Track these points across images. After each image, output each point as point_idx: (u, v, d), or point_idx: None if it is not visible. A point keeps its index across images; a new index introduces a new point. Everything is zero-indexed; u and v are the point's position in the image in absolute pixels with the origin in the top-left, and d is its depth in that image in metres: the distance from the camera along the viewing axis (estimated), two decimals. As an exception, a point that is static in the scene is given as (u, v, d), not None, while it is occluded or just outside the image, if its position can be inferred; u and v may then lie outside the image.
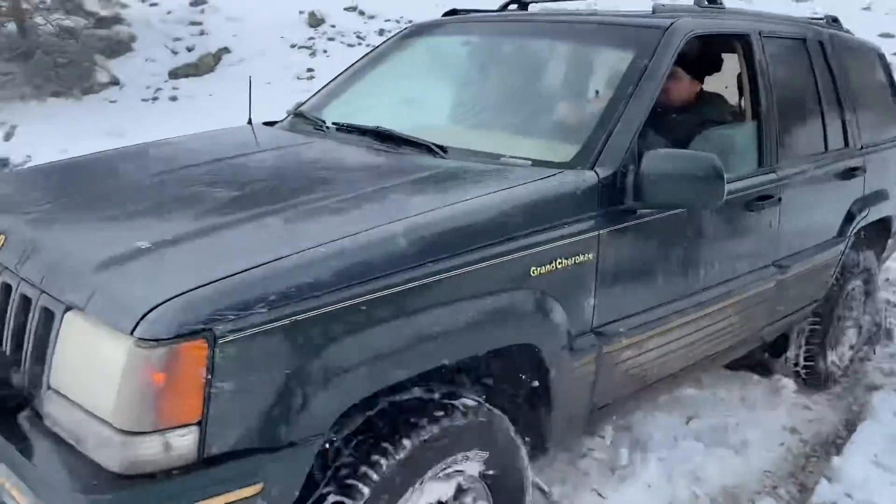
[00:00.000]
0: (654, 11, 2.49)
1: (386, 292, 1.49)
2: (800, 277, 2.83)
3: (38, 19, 7.84)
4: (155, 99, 8.54)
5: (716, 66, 2.93)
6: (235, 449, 1.34)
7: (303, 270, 1.42)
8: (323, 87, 2.87)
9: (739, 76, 2.75)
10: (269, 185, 2.00)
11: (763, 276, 2.63)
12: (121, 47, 8.42)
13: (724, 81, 3.01)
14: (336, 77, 2.89)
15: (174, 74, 8.70)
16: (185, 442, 1.29)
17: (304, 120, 2.59)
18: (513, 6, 3.07)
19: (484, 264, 1.65)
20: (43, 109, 8.37)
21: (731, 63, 2.84)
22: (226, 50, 8.94)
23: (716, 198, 1.94)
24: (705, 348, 2.49)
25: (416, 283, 1.53)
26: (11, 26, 7.68)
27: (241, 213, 1.67)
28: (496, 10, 3.06)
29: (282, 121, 2.70)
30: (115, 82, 8.35)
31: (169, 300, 1.30)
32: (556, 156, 2.01)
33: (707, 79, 2.91)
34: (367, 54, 2.95)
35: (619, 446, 2.70)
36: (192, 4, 9.30)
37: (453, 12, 2.98)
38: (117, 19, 8.27)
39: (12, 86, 7.72)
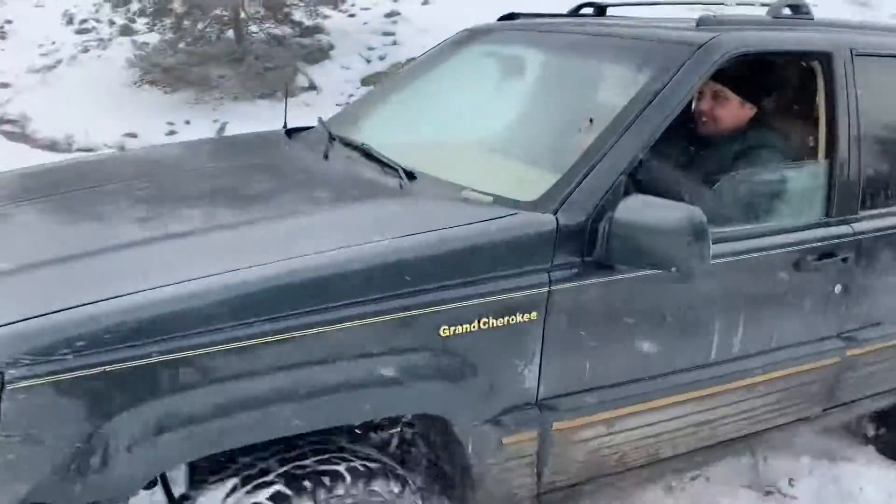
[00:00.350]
0: (698, 24, 2.13)
1: (222, 347, 1.34)
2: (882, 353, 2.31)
3: (253, 28, 8.73)
4: (346, 104, 9.16)
5: (781, 90, 2.45)
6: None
7: (129, 313, 1.31)
8: (366, 95, 2.85)
9: (813, 102, 2.27)
10: (184, 204, 1.93)
11: (819, 350, 2.18)
12: (320, 55, 9.10)
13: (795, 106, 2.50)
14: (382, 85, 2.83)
15: (366, 82, 9.24)
16: None
17: (321, 129, 2.49)
18: (586, 10, 2.68)
19: (371, 320, 1.47)
20: (250, 109, 9.33)
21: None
22: (414, 59, 9.30)
23: (695, 261, 1.62)
24: (720, 431, 2.11)
25: (266, 339, 1.37)
26: (230, 34, 8.62)
27: (126, 237, 1.64)
28: (565, 14, 2.74)
29: (309, 129, 2.68)
30: (312, 87, 9.06)
31: None
32: (523, 194, 1.78)
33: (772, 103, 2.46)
34: (417, 60, 2.88)
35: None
36: (386, 16, 9.78)
37: (510, 17, 2.71)
38: (318, 29, 8.95)
39: (226, 87, 8.68)
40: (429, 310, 1.53)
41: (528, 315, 1.64)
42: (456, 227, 1.67)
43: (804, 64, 2.27)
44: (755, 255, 1.99)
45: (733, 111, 2.31)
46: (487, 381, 1.64)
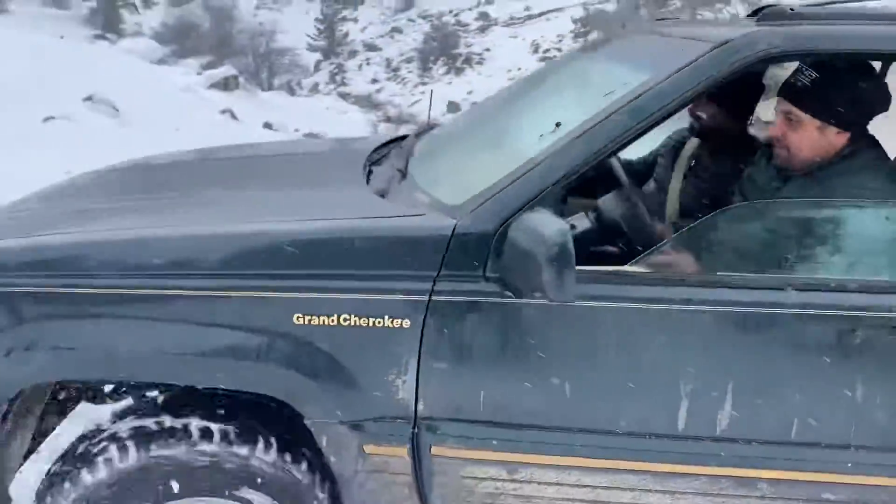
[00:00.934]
0: (758, 17, 1.68)
1: (101, 291, 1.51)
2: None
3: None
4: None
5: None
6: None
7: (51, 251, 1.59)
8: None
9: None
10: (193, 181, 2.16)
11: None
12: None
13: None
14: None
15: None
16: None
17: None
18: None
19: (234, 293, 1.49)
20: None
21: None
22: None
23: (552, 290, 1.34)
24: None
25: (139, 291, 1.51)
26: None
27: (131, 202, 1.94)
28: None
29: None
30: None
31: None
32: (458, 198, 1.58)
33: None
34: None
35: None
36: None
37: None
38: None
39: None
40: (284, 294, 1.49)
41: (399, 321, 1.48)
42: (349, 220, 1.59)
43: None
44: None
45: (810, 137, 1.75)
46: (349, 381, 1.50)
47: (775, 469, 1.58)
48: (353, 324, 1.50)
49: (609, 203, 1.92)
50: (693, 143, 2.30)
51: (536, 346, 1.52)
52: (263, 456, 1.57)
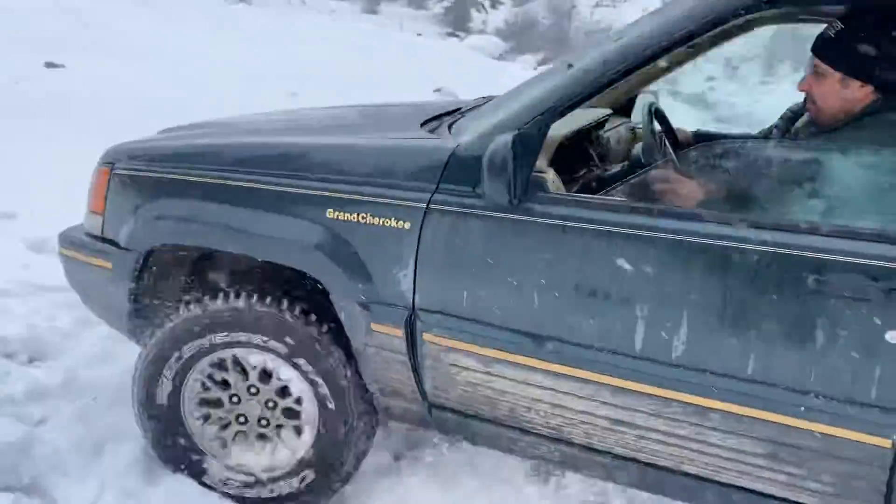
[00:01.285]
0: None
1: (212, 180, 2.08)
2: None
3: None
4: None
5: None
6: (110, 238, 2.24)
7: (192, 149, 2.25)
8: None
9: None
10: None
11: (846, 415, 1.57)
12: None
13: None
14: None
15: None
16: (96, 222, 2.28)
17: None
18: None
19: (296, 189, 1.98)
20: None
21: None
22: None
23: (487, 193, 1.71)
24: (650, 449, 1.80)
25: (241, 183, 2.04)
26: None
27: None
28: None
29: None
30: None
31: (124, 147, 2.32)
32: (470, 135, 1.92)
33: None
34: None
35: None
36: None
37: None
38: None
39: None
40: (322, 192, 1.96)
41: (402, 223, 1.85)
42: (377, 141, 2.08)
43: None
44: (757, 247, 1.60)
45: (833, 90, 1.78)
46: (363, 269, 1.90)
47: (727, 402, 1.67)
48: (367, 222, 1.89)
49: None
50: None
51: (509, 257, 1.80)
52: (304, 326, 2.06)
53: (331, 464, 2.14)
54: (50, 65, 8.55)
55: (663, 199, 1.81)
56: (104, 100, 6.98)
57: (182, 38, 11.31)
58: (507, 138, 1.63)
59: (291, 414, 2.18)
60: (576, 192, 1.88)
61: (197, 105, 5.98)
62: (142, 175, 2.20)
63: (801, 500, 1.69)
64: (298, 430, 2.19)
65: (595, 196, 1.80)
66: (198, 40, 11.33)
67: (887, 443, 1.56)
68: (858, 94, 1.79)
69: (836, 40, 1.77)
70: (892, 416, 1.55)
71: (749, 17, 1.65)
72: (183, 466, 2.27)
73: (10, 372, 2.73)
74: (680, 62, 2.51)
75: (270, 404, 2.18)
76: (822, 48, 1.82)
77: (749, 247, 1.60)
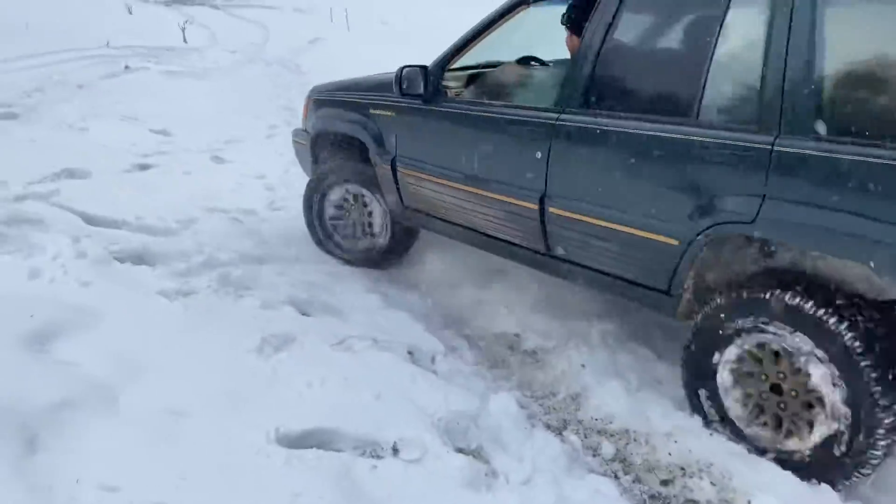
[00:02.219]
0: None
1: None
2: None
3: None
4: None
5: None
6: (306, 130, 4.65)
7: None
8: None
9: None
10: None
11: (525, 197, 3.19)
12: None
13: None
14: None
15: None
16: (302, 124, 4.77)
17: None
18: None
19: (359, 100, 4.07)
20: None
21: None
22: None
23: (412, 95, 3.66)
24: (474, 222, 3.58)
25: (343, 99, 4.27)
26: None
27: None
28: None
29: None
30: None
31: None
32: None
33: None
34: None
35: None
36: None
37: None
38: None
39: None
40: (370, 100, 4.00)
41: (388, 113, 3.84)
42: (388, 75, 3.89)
43: None
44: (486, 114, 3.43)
45: (569, 40, 3.58)
46: (383, 140, 3.92)
47: (491, 192, 3.40)
48: (380, 114, 3.89)
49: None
50: None
51: (428, 129, 3.71)
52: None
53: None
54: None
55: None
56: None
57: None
58: (404, 68, 3.58)
59: None
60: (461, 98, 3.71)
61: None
62: (316, 99, 4.47)
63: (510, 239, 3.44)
64: None
65: (460, 98, 3.70)
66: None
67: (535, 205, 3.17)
68: (576, 41, 3.20)
69: (566, 15, 3.47)
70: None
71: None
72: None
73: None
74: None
75: None
76: (563, 20, 3.52)
77: (508, 117, 3.26)
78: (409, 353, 3.22)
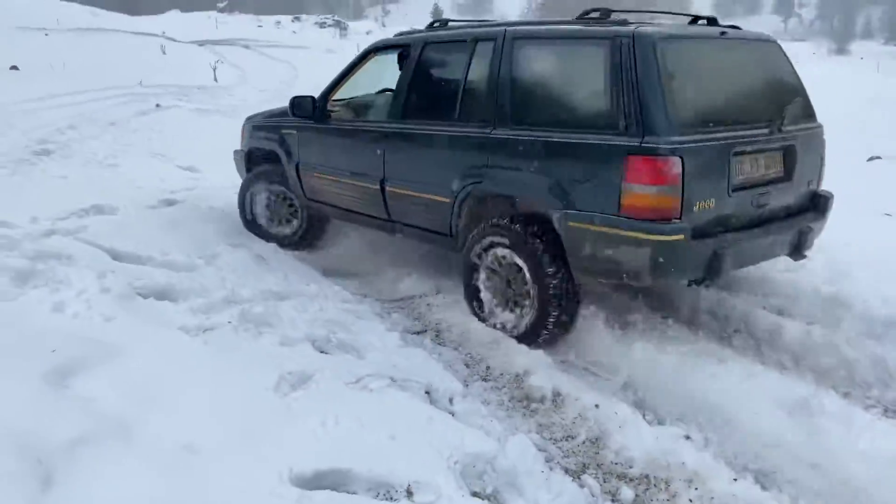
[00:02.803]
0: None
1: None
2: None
3: None
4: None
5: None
6: (243, 148, 5.95)
7: None
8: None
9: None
10: None
11: (373, 182, 4.66)
12: None
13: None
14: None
15: None
16: (240, 144, 6.12)
17: None
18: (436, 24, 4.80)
19: (274, 124, 5.56)
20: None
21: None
22: None
23: (304, 117, 5.08)
24: (358, 205, 4.92)
25: (265, 124, 5.78)
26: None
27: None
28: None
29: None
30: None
31: None
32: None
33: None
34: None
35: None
36: None
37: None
38: None
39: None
40: (278, 123, 5.58)
41: (292, 131, 5.28)
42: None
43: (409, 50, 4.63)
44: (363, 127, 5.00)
45: None
46: (290, 152, 5.34)
47: (355, 181, 4.85)
48: (287, 132, 5.35)
49: None
50: None
51: (319, 141, 5.13)
52: None
53: None
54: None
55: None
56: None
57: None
58: (296, 97, 5.01)
59: None
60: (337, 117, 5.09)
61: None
62: (249, 126, 5.77)
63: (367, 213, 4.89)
64: None
65: (336, 118, 5.07)
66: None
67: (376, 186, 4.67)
68: None
69: (398, 61, 4.89)
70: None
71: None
72: None
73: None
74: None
75: None
76: (398, 61, 4.90)
77: (362, 128, 4.91)
78: (427, 392, 3.20)
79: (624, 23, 3.50)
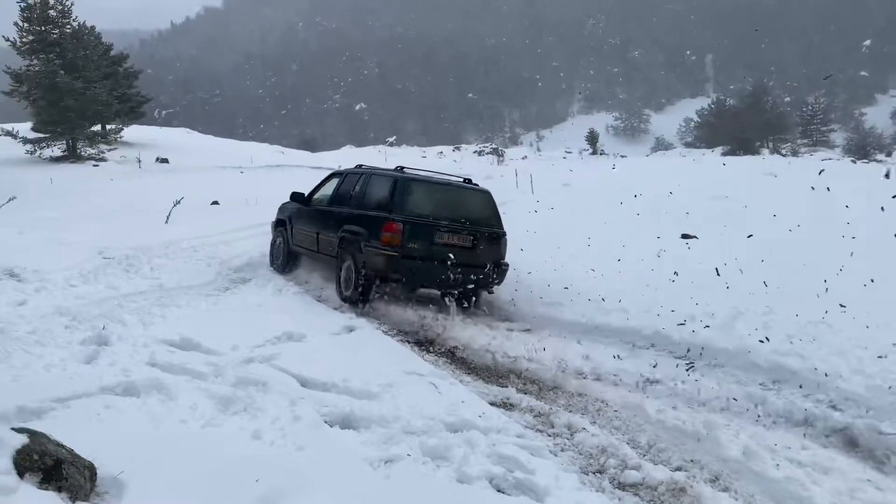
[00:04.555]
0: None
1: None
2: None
3: None
4: None
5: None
6: (278, 220, 10.97)
7: None
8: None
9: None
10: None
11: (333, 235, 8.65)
12: None
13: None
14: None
15: None
16: (276, 217, 11.36)
17: None
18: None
19: (291, 206, 10.35)
20: None
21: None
22: None
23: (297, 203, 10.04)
24: (315, 248, 9.16)
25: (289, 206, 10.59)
26: None
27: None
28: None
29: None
30: None
31: None
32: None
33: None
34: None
35: None
36: None
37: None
38: None
39: None
40: (290, 206, 10.50)
41: (294, 209, 10.11)
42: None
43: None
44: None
45: None
46: (292, 220, 10.21)
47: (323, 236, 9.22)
48: (292, 210, 10.23)
49: None
50: None
51: (305, 218, 9.78)
52: None
53: None
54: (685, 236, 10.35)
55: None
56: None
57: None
58: (299, 193, 9.99)
59: None
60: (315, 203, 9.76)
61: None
62: (279, 208, 10.79)
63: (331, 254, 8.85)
64: None
65: (315, 204, 9.69)
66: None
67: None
68: None
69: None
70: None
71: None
72: None
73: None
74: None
75: None
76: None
77: (327, 210, 9.21)
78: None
79: (401, 170, 8.34)
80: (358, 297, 7.83)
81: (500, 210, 8.41)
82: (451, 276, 7.64)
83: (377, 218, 7.77)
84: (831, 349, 5.83)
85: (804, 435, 4.79)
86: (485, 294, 8.39)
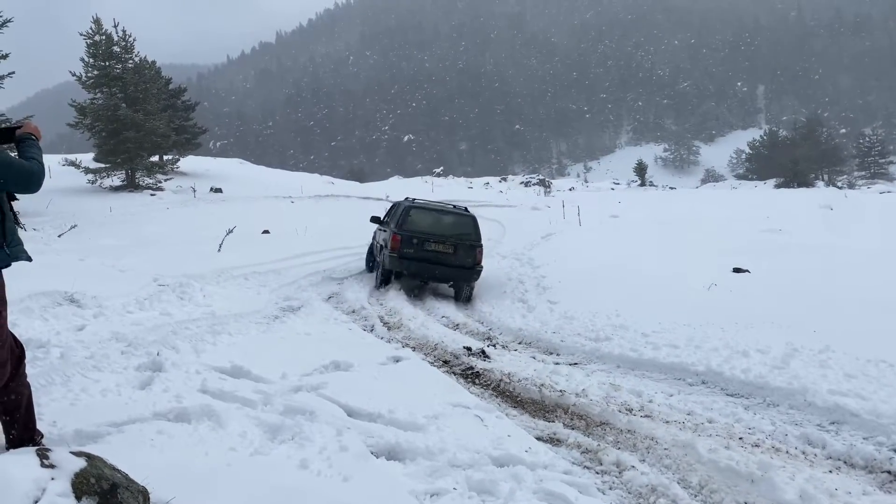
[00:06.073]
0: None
1: None
2: None
3: None
4: None
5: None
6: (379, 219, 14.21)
7: None
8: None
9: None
10: None
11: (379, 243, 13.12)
12: None
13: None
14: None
15: None
16: (376, 219, 14.59)
17: None
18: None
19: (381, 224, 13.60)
20: None
21: None
22: None
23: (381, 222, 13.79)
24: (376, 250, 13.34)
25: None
26: None
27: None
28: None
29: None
30: None
31: None
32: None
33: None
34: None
35: None
36: None
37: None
38: None
39: None
40: (376, 228, 14.00)
41: (376, 228, 13.79)
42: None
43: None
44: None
45: None
46: (376, 238, 13.86)
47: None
48: (377, 230, 13.96)
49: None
50: None
51: (379, 231, 13.68)
52: None
53: None
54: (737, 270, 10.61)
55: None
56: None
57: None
58: (376, 216, 13.75)
59: None
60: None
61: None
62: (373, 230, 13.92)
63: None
64: None
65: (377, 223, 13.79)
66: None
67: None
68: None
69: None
70: None
71: None
72: None
73: None
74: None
75: None
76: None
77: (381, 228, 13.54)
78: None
79: (409, 199, 12.41)
80: (380, 283, 11.80)
81: (547, 241, 8.36)
82: (436, 271, 11.35)
83: (390, 232, 11.64)
84: (893, 389, 5.60)
85: (866, 479, 4.59)
86: (528, 327, 8.96)
